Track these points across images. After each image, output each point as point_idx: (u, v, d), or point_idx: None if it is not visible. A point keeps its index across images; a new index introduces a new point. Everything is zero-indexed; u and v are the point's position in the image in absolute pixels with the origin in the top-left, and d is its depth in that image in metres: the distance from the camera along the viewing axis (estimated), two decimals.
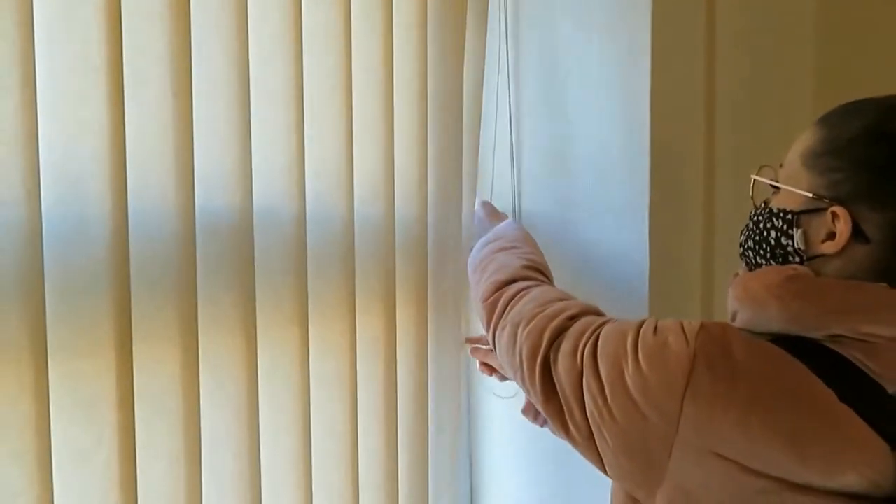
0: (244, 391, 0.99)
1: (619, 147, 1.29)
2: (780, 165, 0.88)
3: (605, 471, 0.85)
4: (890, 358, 0.75)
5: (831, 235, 0.79)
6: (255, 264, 1.00)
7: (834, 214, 0.78)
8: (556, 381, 0.89)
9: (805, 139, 0.84)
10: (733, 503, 0.76)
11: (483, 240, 1.23)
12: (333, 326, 1.11)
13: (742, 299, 0.83)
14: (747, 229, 0.90)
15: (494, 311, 1.03)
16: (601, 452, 0.84)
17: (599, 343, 0.86)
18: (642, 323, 0.86)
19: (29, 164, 0.79)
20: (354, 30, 1.11)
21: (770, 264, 0.85)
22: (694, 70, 1.43)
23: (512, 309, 1.00)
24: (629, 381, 0.81)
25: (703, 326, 0.81)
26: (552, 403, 0.89)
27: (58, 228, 0.82)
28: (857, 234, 0.77)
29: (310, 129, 1.06)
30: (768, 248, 0.85)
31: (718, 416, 0.75)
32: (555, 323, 0.92)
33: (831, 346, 0.76)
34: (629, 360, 0.82)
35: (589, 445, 0.85)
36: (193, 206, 0.93)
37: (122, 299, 0.86)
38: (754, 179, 0.89)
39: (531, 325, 0.94)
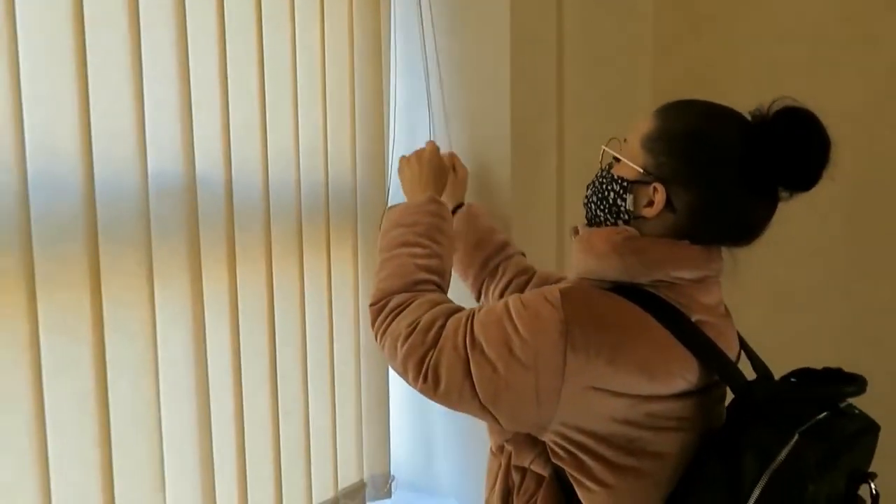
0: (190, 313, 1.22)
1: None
2: (625, 140, 1.10)
3: (499, 426, 1.04)
4: (690, 294, 1.04)
5: (650, 203, 1.04)
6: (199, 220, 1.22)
7: (655, 188, 1.03)
8: (440, 376, 1.03)
9: (646, 125, 1.06)
10: (607, 417, 1.00)
11: (396, 217, 1.29)
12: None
13: (588, 252, 1.07)
14: (593, 185, 1.12)
15: (378, 318, 1.16)
16: (496, 415, 1.02)
17: (477, 334, 1.02)
18: (507, 306, 1.03)
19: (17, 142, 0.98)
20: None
21: (606, 217, 1.08)
22: (546, 63, 1.72)
23: (392, 322, 1.13)
24: (519, 353, 0.98)
25: (563, 294, 1.00)
26: (440, 392, 1.04)
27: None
28: (668, 205, 1.03)
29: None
30: (606, 205, 1.08)
31: (593, 360, 0.96)
32: (430, 335, 1.06)
33: (652, 290, 1.03)
34: (513, 338, 0.99)
35: (483, 413, 1.02)
36: (147, 172, 1.13)
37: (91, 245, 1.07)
38: (603, 149, 1.13)
39: (409, 341, 1.07)
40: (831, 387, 1.06)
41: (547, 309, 0.99)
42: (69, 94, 1.03)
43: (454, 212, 1.46)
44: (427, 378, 1.04)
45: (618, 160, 1.10)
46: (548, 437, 1.04)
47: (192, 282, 1.20)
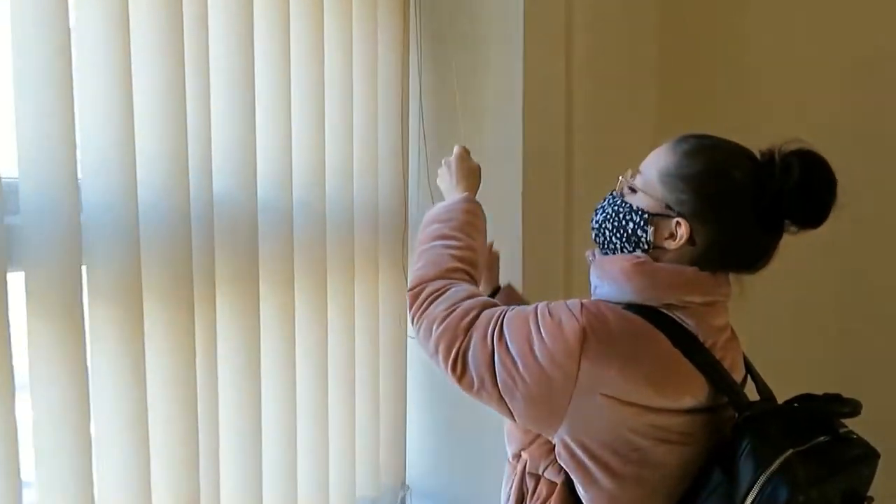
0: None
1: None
2: (638, 172, 1.14)
3: (512, 419, 1.09)
4: (700, 317, 1.09)
5: (672, 236, 1.09)
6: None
7: (678, 223, 1.08)
8: (468, 364, 1.09)
9: (662, 158, 1.11)
10: (614, 424, 1.05)
11: (434, 214, 1.36)
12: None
13: (603, 278, 1.13)
14: (606, 213, 1.16)
15: (414, 302, 1.21)
16: (511, 408, 1.07)
17: (505, 329, 1.09)
18: (536, 308, 1.10)
19: None
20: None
21: (623, 245, 1.13)
22: (556, 84, 1.80)
23: (429, 306, 1.18)
24: (538, 354, 1.05)
25: (583, 306, 1.06)
26: (465, 379, 1.10)
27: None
28: (690, 239, 1.08)
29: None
30: (625, 235, 1.13)
31: (605, 369, 1.03)
32: (464, 322, 1.12)
33: (665, 311, 1.08)
34: (535, 339, 1.06)
35: (500, 404, 1.08)
36: (135, 193, 1.14)
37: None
38: (620, 179, 1.16)
39: (444, 324, 1.13)
40: (825, 405, 1.11)
41: (568, 317, 1.06)
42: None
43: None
44: (456, 364, 1.10)
45: (633, 190, 1.14)
46: (556, 438, 1.08)
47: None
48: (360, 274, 1.60)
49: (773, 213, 1.07)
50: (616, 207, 1.15)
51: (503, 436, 1.23)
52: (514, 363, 1.06)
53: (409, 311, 1.22)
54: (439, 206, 1.38)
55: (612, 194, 1.18)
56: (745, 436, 1.03)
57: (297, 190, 1.43)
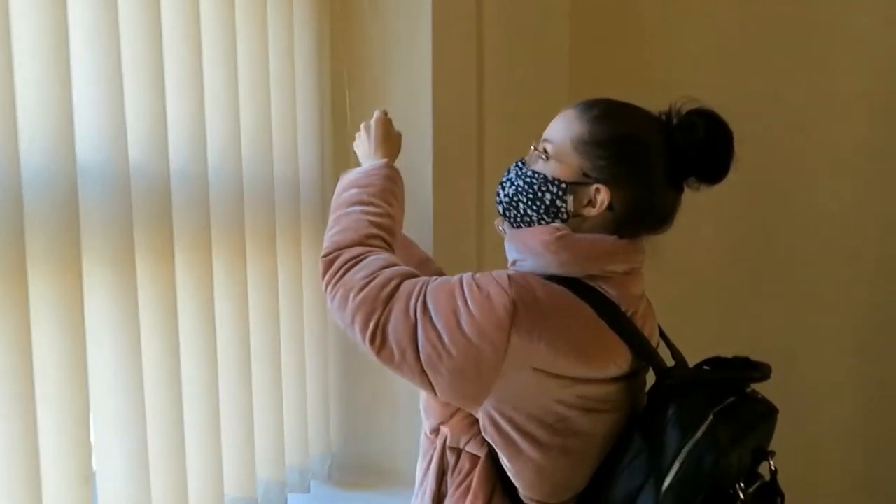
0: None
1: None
2: (546, 140, 1.14)
3: (434, 393, 1.07)
4: (621, 286, 1.12)
5: (591, 203, 1.10)
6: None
7: (597, 189, 1.10)
8: (388, 336, 1.06)
9: (573, 126, 1.12)
10: (541, 396, 1.07)
11: (351, 178, 1.31)
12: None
13: (523, 251, 1.13)
14: (517, 188, 1.14)
15: (329, 269, 1.16)
16: (433, 382, 1.05)
17: (428, 301, 1.06)
18: (461, 280, 1.08)
19: None
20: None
21: (542, 217, 1.12)
22: (466, 64, 1.82)
23: (345, 274, 1.13)
24: (465, 327, 1.03)
25: (511, 278, 1.06)
26: (385, 352, 1.07)
27: None
28: (609, 205, 1.10)
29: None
30: (542, 206, 1.12)
31: (535, 342, 1.03)
32: (384, 293, 1.08)
33: (589, 281, 1.10)
34: (462, 311, 1.04)
35: (422, 378, 1.06)
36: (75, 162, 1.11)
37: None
38: (532, 149, 1.16)
39: (362, 293, 1.09)
40: (740, 372, 1.18)
41: (497, 290, 1.05)
42: None
43: None
44: (375, 336, 1.07)
45: (545, 160, 1.14)
46: (480, 413, 1.08)
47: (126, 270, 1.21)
48: (281, 244, 1.58)
49: (681, 171, 1.13)
50: (528, 179, 1.14)
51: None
52: (440, 336, 1.04)
53: (322, 278, 1.17)
54: (357, 170, 1.35)
55: (517, 166, 1.17)
56: (670, 404, 1.06)
57: (212, 159, 1.39)
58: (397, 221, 1.29)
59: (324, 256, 1.18)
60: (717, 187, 1.14)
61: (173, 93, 1.29)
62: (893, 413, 2.23)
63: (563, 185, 1.11)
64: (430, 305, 1.06)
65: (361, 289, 1.10)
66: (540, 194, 1.12)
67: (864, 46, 2.15)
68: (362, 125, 1.45)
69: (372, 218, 1.23)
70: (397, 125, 1.46)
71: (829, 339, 2.25)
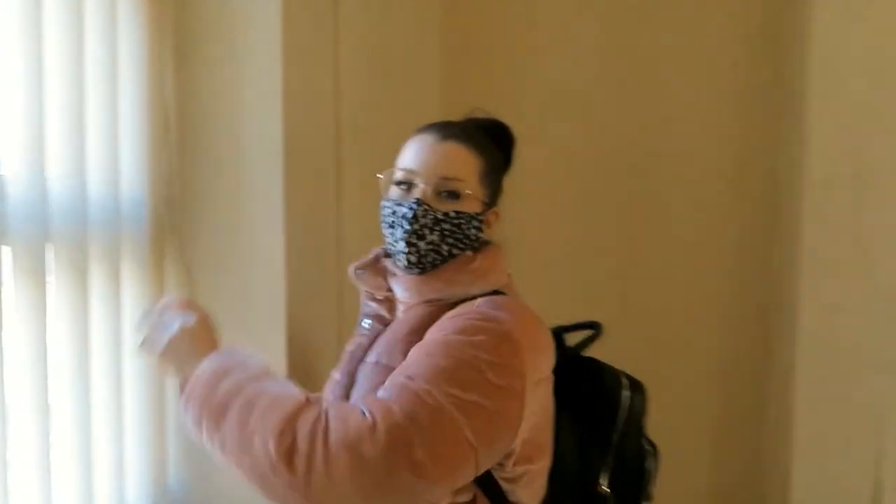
0: None
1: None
2: (454, 179, 1.15)
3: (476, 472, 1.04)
4: (513, 285, 1.21)
5: (488, 224, 1.22)
6: None
7: (495, 213, 1.23)
8: (441, 456, 0.98)
9: (472, 161, 1.17)
10: (538, 408, 1.12)
11: (207, 378, 1.05)
12: None
13: (451, 286, 1.15)
14: (443, 232, 1.15)
15: (294, 456, 0.96)
16: (485, 459, 1.04)
17: (448, 391, 1.00)
18: (459, 347, 1.04)
19: None
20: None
21: (463, 249, 1.18)
22: (323, 80, 1.67)
23: (326, 439, 0.96)
24: (495, 379, 1.03)
25: (493, 308, 1.10)
26: (441, 477, 0.99)
27: None
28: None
29: None
30: (466, 241, 1.18)
31: (532, 352, 1.09)
32: (400, 419, 0.97)
33: (504, 289, 1.18)
34: (485, 368, 1.03)
35: (474, 471, 1.04)
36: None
37: None
38: (381, 177, 1.20)
39: (377, 436, 0.95)
40: (591, 334, 1.29)
41: (492, 326, 1.07)
42: None
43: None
44: (426, 467, 0.96)
45: (454, 198, 1.16)
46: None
47: None
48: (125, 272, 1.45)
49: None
50: (455, 221, 1.16)
51: None
52: (482, 406, 1.01)
53: (293, 472, 0.95)
54: (203, 370, 1.06)
55: (422, 208, 1.14)
56: (582, 381, 1.24)
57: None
58: (272, 373, 1.09)
59: (277, 449, 0.96)
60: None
61: None
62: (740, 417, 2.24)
63: (480, 218, 1.20)
64: (455, 391, 1.00)
65: (372, 431, 0.97)
66: (467, 231, 1.18)
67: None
68: (154, 317, 1.15)
69: (282, 383, 1.06)
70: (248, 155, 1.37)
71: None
